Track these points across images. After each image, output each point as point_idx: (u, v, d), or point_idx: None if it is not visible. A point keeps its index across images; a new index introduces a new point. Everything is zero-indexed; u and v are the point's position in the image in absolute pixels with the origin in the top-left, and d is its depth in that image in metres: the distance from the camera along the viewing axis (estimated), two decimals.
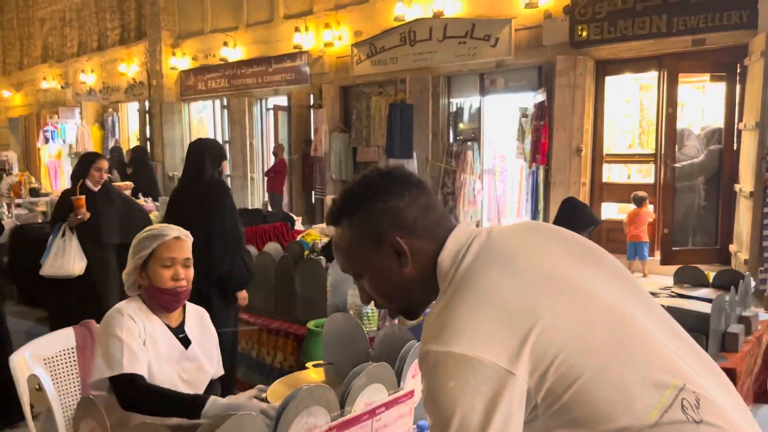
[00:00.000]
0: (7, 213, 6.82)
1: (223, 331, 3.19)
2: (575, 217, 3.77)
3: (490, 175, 9.29)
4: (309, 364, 2.09)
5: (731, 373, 2.86)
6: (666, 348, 1.00)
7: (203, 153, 3.43)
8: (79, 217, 3.81)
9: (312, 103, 10.71)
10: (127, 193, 6.60)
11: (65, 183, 13.97)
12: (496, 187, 9.36)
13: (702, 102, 8.63)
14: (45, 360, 2.13)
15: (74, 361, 2.20)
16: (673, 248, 6.97)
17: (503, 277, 0.99)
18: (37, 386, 2.11)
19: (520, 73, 8.46)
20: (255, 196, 11.80)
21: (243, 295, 3.49)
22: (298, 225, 6.82)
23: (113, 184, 5.14)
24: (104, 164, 4.18)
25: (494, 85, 8.83)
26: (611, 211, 8.03)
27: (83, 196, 3.88)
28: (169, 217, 3.38)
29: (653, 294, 3.51)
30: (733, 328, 3.12)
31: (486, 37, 8.33)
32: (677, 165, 6.97)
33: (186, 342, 2.02)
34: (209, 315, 2.17)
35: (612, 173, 8.23)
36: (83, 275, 3.81)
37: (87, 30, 15.27)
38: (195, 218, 3.18)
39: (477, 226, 9.02)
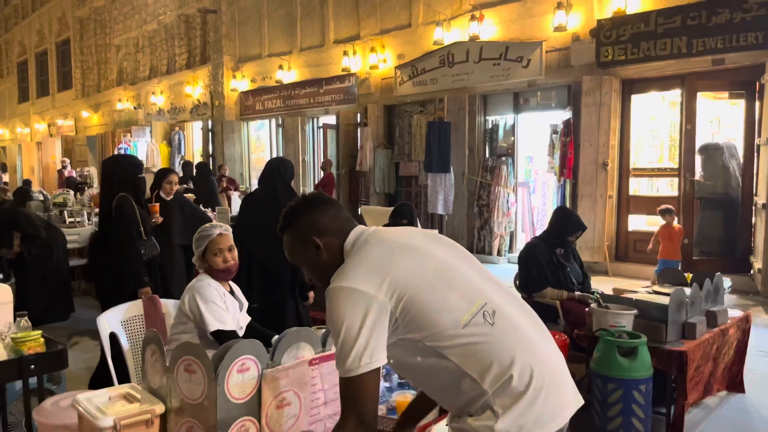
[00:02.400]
0: (87, 221, 7.84)
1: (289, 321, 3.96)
2: (566, 222, 4.30)
3: (524, 188, 9.76)
4: (313, 328, 2.73)
5: (681, 356, 3.34)
6: (478, 284, 1.60)
7: (278, 170, 4.18)
8: (153, 220, 4.61)
9: (359, 121, 11.46)
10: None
11: None
12: (530, 199, 9.81)
13: (738, 117, 8.84)
14: (121, 322, 2.87)
15: (142, 323, 2.93)
16: (693, 258, 7.26)
17: (377, 248, 1.61)
18: None
19: (551, 92, 8.95)
20: None
21: (312, 294, 4.16)
22: None
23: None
24: (174, 178, 5.01)
25: (527, 103, 9.33)
26: (639, 223, 8.34)
27: (157, 204, 4.69)
28: (249, 220, 4.16)
29: (635, 291, 4.00)
30: (694, 319, 3.57)
31: (519, 59, 8.86)
32: (696, 179, 7.28)
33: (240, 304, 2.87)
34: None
35: (641, 187, 8.55)
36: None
37: (157, 55, 16.63)
38: None
39: (510, 237, 9.51)
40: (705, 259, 7.30)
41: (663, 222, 6.78)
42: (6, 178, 18.70)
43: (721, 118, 9.33)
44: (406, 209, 5.14)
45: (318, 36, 12.13)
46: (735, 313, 4.07)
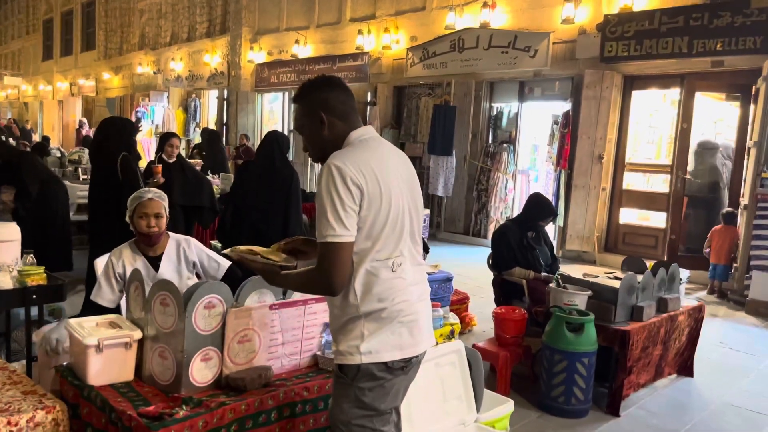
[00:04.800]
0: None
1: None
2: (539, 208, 4.58)
3: (523, 175, 9.99)
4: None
5: (625, 334, 3.63)
6: (406, 240, 1.92)
7: (277, 142, 4.51)
8: (155, 180, 4.95)
9: (368, 100, 11.68)
10: (197, 169, 7.79)
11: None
12: (529, 187, 10.04)
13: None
14: None
15: None
16: (679, 254, 7.49)
17: (371, 156, 1.86)
18: None
19: (555, 82, 9.13)
20: (313, 181, 12.92)
21: None
22: None
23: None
24: (176, 142, 5.37)
25: (532, 92, 9.53)
26: (630, 216, 8.55)
27: (160, 165, 5.04)
28: (245, 186, 4.48)
29: (597, 276, 4.27)
30: (644, 303, 3.85)
31: (526, 48, 9.05)
32: (687, 177, 7.49)
33: (158, 266, 2.93)
34: None
35: (635, 181, 8.73)
36: None
37: (179, 22, 16.90)
38: (280, 196, 4.35)
39: (507, 221, 9.75)
40: (689, 256, 7.52)
41: (721, 224, 6.90)
42: (36, 137, 19.05)
43: (725, 118, 9.46)
44: None
45: (335, 13, 12.33)
46: (691, 302, 4.34)
